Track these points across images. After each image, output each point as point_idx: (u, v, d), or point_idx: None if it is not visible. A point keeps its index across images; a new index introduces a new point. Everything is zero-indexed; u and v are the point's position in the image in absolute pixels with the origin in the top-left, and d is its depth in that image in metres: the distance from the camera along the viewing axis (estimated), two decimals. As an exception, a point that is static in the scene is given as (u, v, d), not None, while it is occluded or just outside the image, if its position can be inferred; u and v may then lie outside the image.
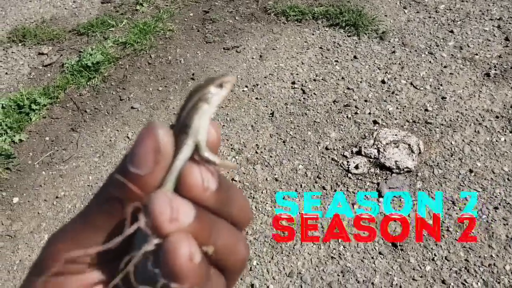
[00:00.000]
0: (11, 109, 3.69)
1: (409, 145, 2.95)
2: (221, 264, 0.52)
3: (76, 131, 3.60)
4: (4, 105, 3.72)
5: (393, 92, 3.41)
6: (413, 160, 2.89)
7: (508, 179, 2.80)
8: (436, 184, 2.81)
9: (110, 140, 3.47)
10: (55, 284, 0.47)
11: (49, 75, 4.08)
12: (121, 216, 0.47)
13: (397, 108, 3.29)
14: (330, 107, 3.34)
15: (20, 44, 4.47)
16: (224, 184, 0.52)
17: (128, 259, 0.48)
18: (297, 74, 3.64)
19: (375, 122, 3.20)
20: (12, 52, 4.40)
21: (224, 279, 0.53)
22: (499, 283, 2.39)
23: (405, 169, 2.85)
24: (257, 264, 2.61)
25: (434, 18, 4.03)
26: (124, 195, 0.46)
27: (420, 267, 2.48)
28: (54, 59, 4.22)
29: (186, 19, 4.50)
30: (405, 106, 3.29)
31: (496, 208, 2.68)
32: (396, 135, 3.02)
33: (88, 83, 3.92)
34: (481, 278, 2.41)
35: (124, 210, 0.48)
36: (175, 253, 0.44)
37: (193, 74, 3.83)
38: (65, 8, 4.96)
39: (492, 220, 2.62)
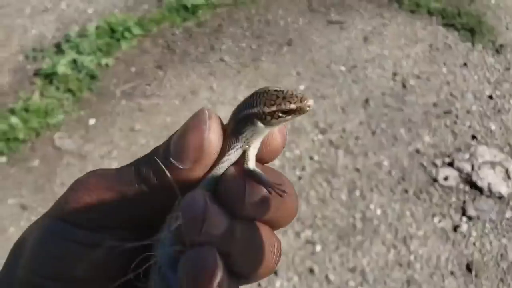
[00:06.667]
0: (104, 32, 3.83)
1: (506, 170, 2.89)
2: (244, 271, 0.49)
3: (162, 70, 3.71)
4: (98, 26, 3.87)
5: (499, 111, 3.31)
6: (507, 186, 2.83)
7: None
8: (527, 218, 2.75)
9: (194, 87, 3.56)
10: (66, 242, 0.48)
11: (145, 6, 4.19)
12: (153, 196, 0.48)
13: (500, 128, 3.20)
14: (429, 109, 3.29)
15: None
16: (274, 194, 0.47)
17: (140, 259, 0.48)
18: (400, 66, 3.59)
19: (473, 137, 3.13)
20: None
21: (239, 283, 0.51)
22: None
23: (497, 194, 2.80)
24: (321, 250, 2.66)
25: (560, 42, 3.85)
26: (160, 182, 0.47)
27: (492, 297, 2.47)
28: (153, -9, 4.32)
29: (292, -18, 4.48)
30: (509, 128, 3.20)
31: None
32: (495, 156, 2.95)
33: (183, 24, 4.01)
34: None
35: (157, 195, 0.48)
36: (197, 270, 0.42)
37: (290, 40, 3.84)
38: None
39: None
